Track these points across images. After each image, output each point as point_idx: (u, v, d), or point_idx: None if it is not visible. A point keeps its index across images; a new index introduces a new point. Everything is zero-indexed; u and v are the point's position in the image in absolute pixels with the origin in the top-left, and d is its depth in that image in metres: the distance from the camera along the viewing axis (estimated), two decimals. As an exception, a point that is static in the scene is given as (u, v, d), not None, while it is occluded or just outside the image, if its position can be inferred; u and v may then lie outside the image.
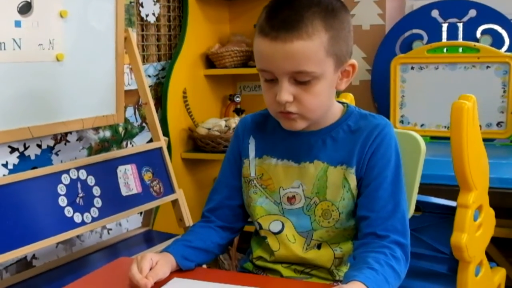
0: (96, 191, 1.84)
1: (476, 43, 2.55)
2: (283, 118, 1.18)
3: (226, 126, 2.68)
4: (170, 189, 2.11)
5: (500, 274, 1.82)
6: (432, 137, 2.62)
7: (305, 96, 1.13)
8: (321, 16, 1.11)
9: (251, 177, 1.27)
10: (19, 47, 1.73)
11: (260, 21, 1.14)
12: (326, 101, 1.18)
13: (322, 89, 1.14)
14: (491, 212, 1.72)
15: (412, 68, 2.64)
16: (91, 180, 1.84)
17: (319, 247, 1.23)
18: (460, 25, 2.68)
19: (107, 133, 2.27)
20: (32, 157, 1.94)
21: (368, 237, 1.16)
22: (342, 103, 1.28)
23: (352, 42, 1.19)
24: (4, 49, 1.68)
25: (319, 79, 1.13)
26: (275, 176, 1.25)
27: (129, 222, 2.37)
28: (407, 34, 2.77)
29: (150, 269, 1.13)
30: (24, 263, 1.94)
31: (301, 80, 1.12)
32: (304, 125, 1.18)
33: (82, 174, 1.82)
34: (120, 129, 2.34)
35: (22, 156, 1.91)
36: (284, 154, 1.25)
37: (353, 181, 1.19)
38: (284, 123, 1.19)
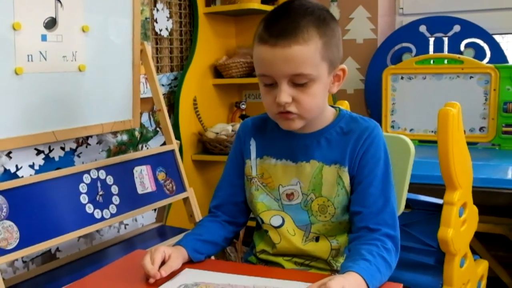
0: (114, 189, 1.84)
1: (460, 56, 2.55)
2: (282, 119, 1.17)
3: (232, 130, 2.68)
4: (181, 188, 2.11)
5: (483, 266, 1.81)
6: (421, 141, 2.62)
7: (303, 97, 1.13)
8: (315, 24, 1.12)
9: (253, 176, 1.27)
10: (45, 59, 1.73)
11: (258, 31, 1.15)
12: (321, 102, 1.18)
13: (318, 90, 1.14)
14: (475, 209, 1.72)
15: (402, 78, 2.64)
16: (110, 180, 1.84)
17: (317, 239, 1.22)
18: (446, 39, 2.67)
19: (124, 137, 2.27)
20: (56, 159, 1.95)
21: (361, 231, 1.16)
22: (335, 107, 1.28)
23: (341, 49, 1.20)
24: (32, 60, 1.69)
25: (315, 81, 1.13)
26: (274, 174, 1.25)
27: (144, 218, 2.37)
28: (397, 47, 2.76)
29: (164, 262, 1.13)
30: (48, 256, 1.94)
31: (299, 82, 1.12)
32: (301, 125, 1.18)
33: (102, 174, 1.82)
34: (136, 133, 2.34)
35: (47, 157, 1.91)
36: (282, 155, 1.25)
37: (346, 178, 1.19)
38: (282, 124, 1.19)
